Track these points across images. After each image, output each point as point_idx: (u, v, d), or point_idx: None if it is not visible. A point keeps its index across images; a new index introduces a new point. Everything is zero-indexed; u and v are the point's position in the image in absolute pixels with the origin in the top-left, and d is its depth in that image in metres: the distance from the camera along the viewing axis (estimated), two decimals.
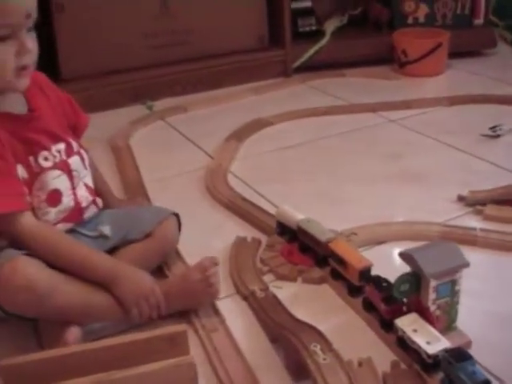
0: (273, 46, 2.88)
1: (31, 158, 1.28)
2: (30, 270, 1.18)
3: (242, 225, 1.68)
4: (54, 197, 1.32)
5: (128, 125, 2.37)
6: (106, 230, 1.41)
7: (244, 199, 1.77)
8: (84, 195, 1.39)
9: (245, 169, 2.01)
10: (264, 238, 1.59)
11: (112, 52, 2.59)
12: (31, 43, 1.22)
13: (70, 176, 1.35)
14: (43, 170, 1.30)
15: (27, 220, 1.24)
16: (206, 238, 1.62)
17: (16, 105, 1.30)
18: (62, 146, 1.35)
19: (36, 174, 1.29)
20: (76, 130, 1.47)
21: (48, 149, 1.32)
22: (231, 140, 2.19)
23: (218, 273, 1.33)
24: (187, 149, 2.21)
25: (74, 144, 1.39)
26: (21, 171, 1.26)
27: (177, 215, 1.49)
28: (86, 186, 1.41)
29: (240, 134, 2.24)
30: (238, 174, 1.96)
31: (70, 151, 1.37)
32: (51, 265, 1.23)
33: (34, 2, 1.21)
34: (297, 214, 1.51)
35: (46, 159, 1.31)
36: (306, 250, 1.47)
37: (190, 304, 1.32)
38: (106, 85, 2.57)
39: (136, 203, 1.69)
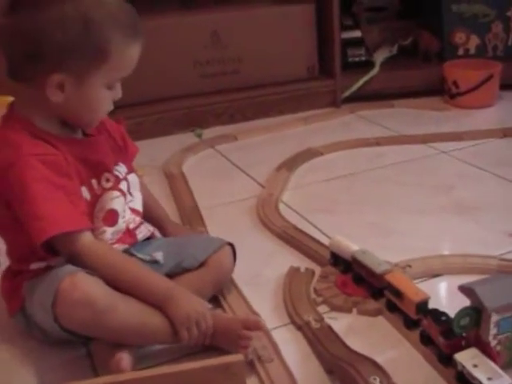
0: (322, 76, 2.88)
1: (94, 181, 1.32)
2: (89, 285, 1.19)
3: (295, 254, 1.67)
4: (111, 217, 1.34)
5: (180, 152, 2.38)
6: (159, 256, 1.41)
7: (296, 229, 1.76)
8: (131, 217, 1.41)
9: (296, 198, 2.01)
10: (317, 269, 1.57)
11: (163, 80, 2.62)
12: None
13: (125, 198, 1.38)
14: (104, 190, 1.33)
15: (87, 238, 1.25)
16: (259, 267, 1.61)
17: (75, 131, 1.33)
18: (120, 168, 1.39)
19: (98, 196, 1.32)
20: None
21: (109, 170, 1.35)
22: (282, 169, 2.19)
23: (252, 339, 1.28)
24: (237, 177, 2.22)
25: (124, 169, 1.42)
26: (85, 193, 1.29)
27: (232, 245, 1.49)
28: (132, 209, 1.42)
29: (290, 164, 2.24)
30: (290, 204, 1.96)
31: (122, 175, 1.41)
32: (109, 284, 1.24)
33: None
34: (351, 245, 1.50)
35: (107, 180, 1.34)
36: (361, 281, 1.46)
37: (226, 346, 1.29)
38: (155, 112, 2.60)
39: (196, 232, 1.70)
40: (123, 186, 1.39)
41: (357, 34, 2.99)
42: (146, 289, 1.26)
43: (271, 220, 1.82)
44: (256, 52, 2.74)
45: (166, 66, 2.62)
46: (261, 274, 1.57)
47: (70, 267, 1.22)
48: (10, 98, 2.15)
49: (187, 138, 2.57)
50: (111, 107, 1.31)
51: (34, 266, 1.28)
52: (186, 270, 1.42)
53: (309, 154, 2.33)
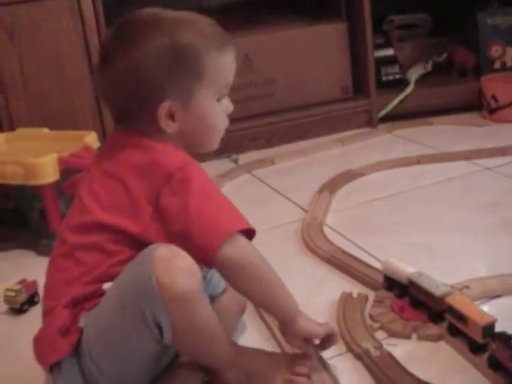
0: (357, 96, 2.84)
1: None
2: (187, 256, 1.10)
3: (345, 279, 1.62)
4: None
5: (216, 178, 2.34)
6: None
7: (345, 253, 1.71)
8: None
9: (340, 221, 1.95)
10: (370, 293, 1.52)
11: None
12: None
13: None
14: None
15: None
16: (309, 294, 1.55)
17: None
18: None
19: None
20: None
21: None
22: (323, 192, 2.14)
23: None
24: (278, 202, 2.18)
25: None
26: None
27: None
28: None
29: (332, 186, 2.19)
30: (334, 227, 1.91)
31: None
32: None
33: None
34: (406, 268, 1.45)
35: None
36: (419, 304, 1.39)
37: None
38: None
39: None
40: None
41: (389, 52, 2.96)
42: (279, 303, 1.23)
43: (318, 244, 1.77)
44: (289, 74, 2.71)
45: None
46: (312, 302, 1.51)
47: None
48: (45, 130, 2.15)
49: (223, 164, 2.54)
50: (227, 122, 1.29)
51: (107, 285, 1.16)
52: (212, 296, 1.37)
53: (349, 176, 2.28)
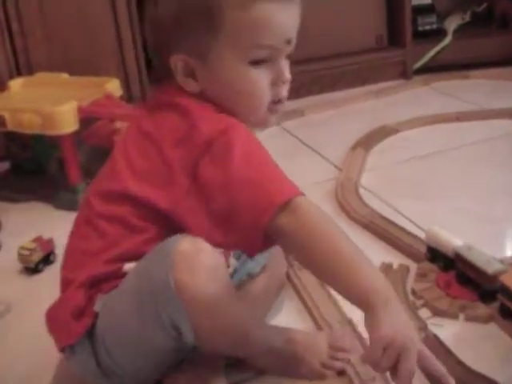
0: (392, 46, 2.73)
1: None
2: (214, 251, 0.98)
3: (384, 248, 1.50)
4: None
5: None
6: (234, 262, 1.25)
7: (383, 218, 1.59)
8: None
9: (376, 182, 1.84)
10: (411, 264, 1.40)
11: None
12: (289, 73, 1.07)
13: None
14: None
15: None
16: None
17: None
18: None
19: None
20: None
21: None
22: (357, 149, 2.02)
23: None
24: (308, 157, 2.07)
25: None
26: None
27: None
28: None
29: (366, 143, 2.07)
30: (370, 188, 1.80)
31: None
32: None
33: (296, 28, 1.06)
34: (452, 239, 1.33)
35: None
36: (466, 280, 1.28)
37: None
38: None
39: None
40: None
41: (427, 0, 2.81)
42: (350, 282, 0.94)
43: (354, 208, 1.65)
44: (321, 21, 2.58)
45: None
46: None
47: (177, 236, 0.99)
48: (65, 75, 2.04)
49: None
50: (278, 94, 1.07)
51: (128, 266, 1.05)
52: (250, 276, 1.27)
53: (384, 132, 2.16)
